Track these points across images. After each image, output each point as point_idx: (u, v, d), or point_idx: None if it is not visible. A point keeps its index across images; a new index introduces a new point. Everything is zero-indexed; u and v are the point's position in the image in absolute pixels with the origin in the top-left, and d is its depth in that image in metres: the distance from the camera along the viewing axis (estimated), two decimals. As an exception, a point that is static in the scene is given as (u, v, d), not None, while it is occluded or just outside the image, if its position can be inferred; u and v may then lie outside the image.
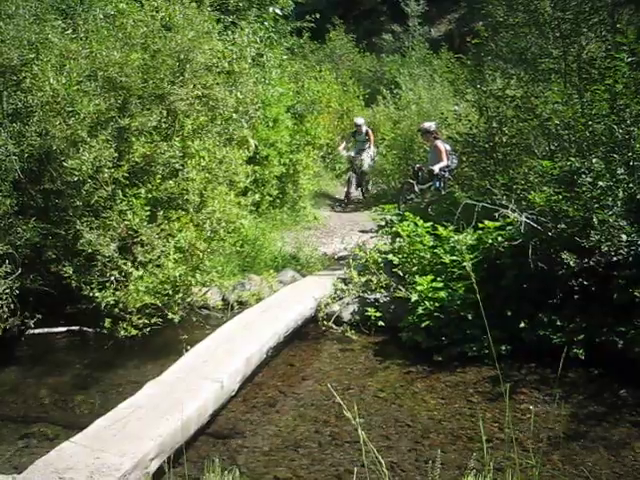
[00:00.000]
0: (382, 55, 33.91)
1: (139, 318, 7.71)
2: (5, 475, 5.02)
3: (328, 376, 7.44)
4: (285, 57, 16.21)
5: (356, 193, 18.50)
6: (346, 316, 8.83)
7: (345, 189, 18.30)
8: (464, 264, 7.98)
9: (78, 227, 8.00)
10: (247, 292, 9.66)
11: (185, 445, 5.44)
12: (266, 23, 14.69)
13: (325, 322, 8.62)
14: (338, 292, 9.17)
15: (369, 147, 18.13)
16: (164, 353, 7.66)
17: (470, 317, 7.66)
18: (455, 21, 37.42)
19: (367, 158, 18.11)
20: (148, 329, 7.79)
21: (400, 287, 8.69)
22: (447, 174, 12.64)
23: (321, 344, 8.42)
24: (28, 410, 6.81)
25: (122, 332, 7.66)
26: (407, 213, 9.79)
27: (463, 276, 8.05)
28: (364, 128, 18.27)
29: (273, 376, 7.40)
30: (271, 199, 13.69)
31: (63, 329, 8.77)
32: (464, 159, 11.56)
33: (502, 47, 10.49)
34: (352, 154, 18.23)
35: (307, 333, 8.62)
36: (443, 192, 12.37)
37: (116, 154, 8.20)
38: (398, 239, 9.42)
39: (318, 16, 17.75)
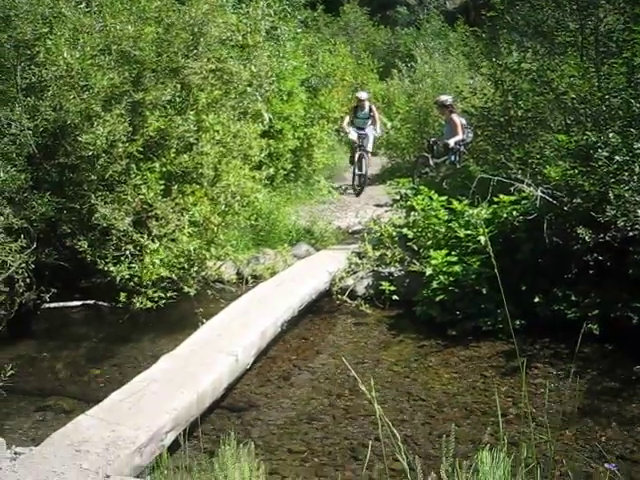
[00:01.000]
0: (397, 28, 33.68)
1: (154, 291, 7.72)
2: (22, 447, 5.06)
3: (342, 350, 7.46)
4: (299, 30, 16.13)
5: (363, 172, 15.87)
6: (360, 290, 8.84)
7: (354, 172, 15.99)
8: (479, 238, 7.97)
9: (93, 201, 8.00)
10: (261, 266, 9.68)
11: (200, 418, 5.46)
12: (280, -5, 14.60)
13: (339, 296, 8.63)
14: (352, 266, 9.18)
15: (372, 126, 15.85)
16: (179, 327, 7.69)
17: (485, 291, 7.66)
18: (470, -7, 37.10)
19: (371, 136, 15.90)
20: (163, 303, 7.81)
21: (414, 261, 8.68)
22: (462, 148, 12.57)
23: (335, 318, 8.44)
24: (44, 383, 6.87)
25: (137, 305, 7.67)
26: (422, 187, 9.75)
27: (478, 250, 8.04)
28: (367, 104, 16.05)
29: (287, 350, 7.43)
30: (285, 173, 13.66)
31: (78, 303, 8.83)
32: (479, 133, 11.49)
33: (518, 20, 10.37)
34: (352, 131, 15.72)
35: (321, 307, 8.64)
36: (458, 166, 12.31)
37: (130, 128, 8.19)
38: (413, 213, 9.41)
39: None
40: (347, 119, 15.95)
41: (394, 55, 29.35)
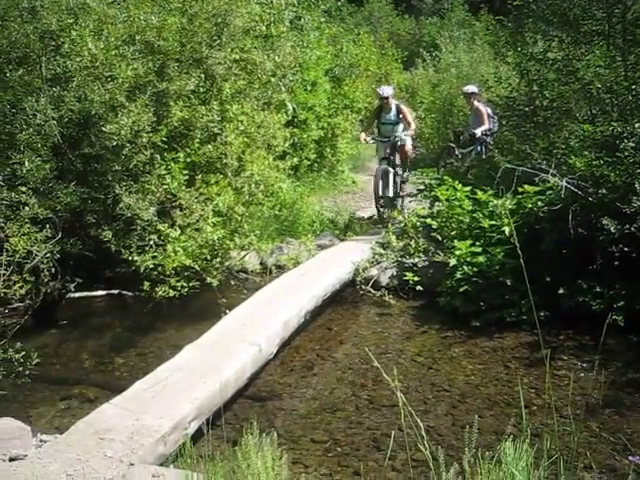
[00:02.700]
0: (421, 17, 33.58)
1: (177, 281, 7.75)
2: (48, 435, 5.11)
3: (366, 340, 7.45)
4: (323, 20, 16.10)
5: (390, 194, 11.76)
6: (384, 280, 8.83)
7: (375, 193, 11.33)
8: (503, 229, 7.94)
9: (117, 191, 8.05)
10: (285, 256, 9.69)
11: (223, 407, 5.47)
12: (304, -15, 14.59)
13: (363, 286, 8.63)
14: (376, 256, 9.18)
15: (404, 128, 11.84)
16: (202, 316, 7.71)
17: (509, 282, 7.62)
18: (496, -18, 36.89)
19: (407, 138, 11.87)
20: (186, 292, 7.85)
21: (438, 251, 8.67)
22: (489, 138, 12.51)
23: (359, 308, 8.44)
24: (69, 372, 6.92)
25: (160, 293, 7.69)
26: (446, 177, 9.72)
27: (502, 241, 8.00)
28: (393, 103, 11.79)
29: (311, 340, 7.43)
30: (309, 163, 13.68)
31: (102, 292, 8.91)
32: (504, 123, 11.44)
33: (544, 9, 10.29)
34: (377, 139, 12.10)
35: (345, 297, 8.64)
36: (484, 156, 12.25)
37: (154, 118, 8.23)
38: (437, 203, 9.38)
39: (356, -21, 17.60)
40: (363, 135, 12.07)
41: (418, 45, 29.30)
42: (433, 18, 32.78)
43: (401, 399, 3.15)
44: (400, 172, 12.06)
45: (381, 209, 11.39)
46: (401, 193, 12.08)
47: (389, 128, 11.98)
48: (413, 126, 11.93)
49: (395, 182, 11.75)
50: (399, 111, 11.97)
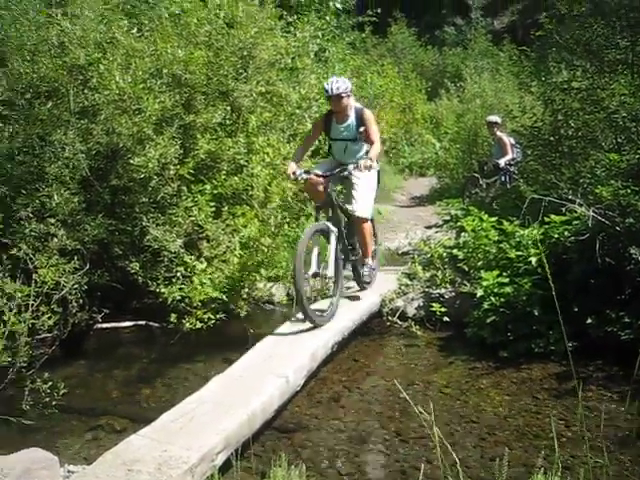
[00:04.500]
0: (444, 48, 33.74)
1: (204, 312, 7.77)
2: (75, 466, 5.13)
3: (393, 371, 7.41)
4: (348, 52, 16.22)
5: None
6: (411, 311, 8.79)
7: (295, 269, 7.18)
8: (530, 259, 7.90)
9: (144, 223, 8.13)
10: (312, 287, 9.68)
11: (251, 439, 5.47)
12: (328, 18, 14.71)
13: (390, 317, 8.58)
14: (403, 287, 9.13)
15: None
16: (230, 348, 7.70)
17: (536, 313, 7.57)
18: (518, 12, 37.06)
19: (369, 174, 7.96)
20: (213, 324, 7.86)
21: (465, 282, 8.63)
22: (513, 167, 12.51)
23: (386, 339, 8.40)
24: (96, 403, 6.92)
25: (187, 325, 7.73)
26: (472, 207, 9.70)
27: (529, 271, 7.96)
28: (352, 106, 7.99)
29: (337, 371, 7.40)
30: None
31: (130, 323, 8.92)
32: (529, 152, 11.43)
33: (567, 38, 10.30)
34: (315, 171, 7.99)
35: (372, 328, 8.59)
36: (509, 186, 12.24)
37: (181, 151, 8.32)
38: (463, 234, 9.35)
39: (379, 11, 17.68)
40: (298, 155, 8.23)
41: (442, 75, 29.39)
42: (456, 49, 32.91)
43: (437, 433, 3.14)
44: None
45: (303, 297, 7.16)
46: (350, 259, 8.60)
47: (342, 148, 8.20)
48: (377, 147, 7.78)
49: (339, 252, 7.93)
50: (361, 120, 7.97)
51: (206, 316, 7.78)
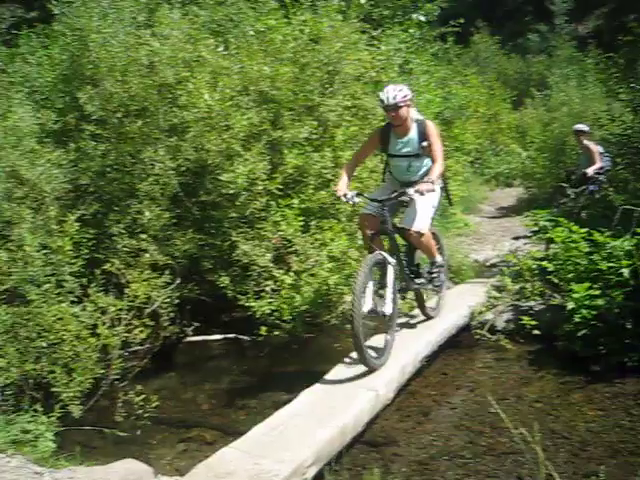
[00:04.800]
0: (528, 56, 33.35)
1: (293, 326, 7.84)
2: (168, 477, 5.22)
3: (482, 385, 7.34)
4: (431, 63, 16.15)
5: None
6: (500, 324, 8.69)
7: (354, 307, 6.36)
8: (622, 271, 7.75)
9: (234, 238, 8.24)
10: (400, 300, 9.65)
11: (341, 453, 5.49)
12: (411, 30, 14.68)
13: (479, 330, 8.49)
14: (491, 300, 9.04)
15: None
16: (319, 361, 7.74)
17: (629, 326, 7.42)
18: (603, 16, 36.39)
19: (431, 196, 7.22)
20: (302, 337, 7.93)
21: (555, 295, 8.50)
22: (601, 176, 12.29)
23: (475, 353, 8.32)
24: (187, 415, 7.04)
25: (276, 339, 7.81)
26: (561, 218, 9.55)
27: (621, 283, 7.80)
28: (412, 117, 7.19)
29: (427, 385, 7.36)
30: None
31: (219, 337, 9.03)
32: (618, 161, 11.21)
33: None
34: (367, 197, 7.35)
35: (460, 341, 8.53)
36: (597, 195, 12.02)
37: (269, 166, 8.41)
38: (552, 245, 9.21)
39: (462, 21, 17.56)
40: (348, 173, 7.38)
41: (526, 83, 29.05)
42: (540, 56, 32.50)
43: (539, 452, 3.11)
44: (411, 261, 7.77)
45: (361, 339, 6.33)
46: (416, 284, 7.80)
47: (404, 166, 7.39)
48: (440, 166, 6.98)
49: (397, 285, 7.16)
50: (424, 134, 7.17)
51: (295, 329, 7.84)
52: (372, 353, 6.75)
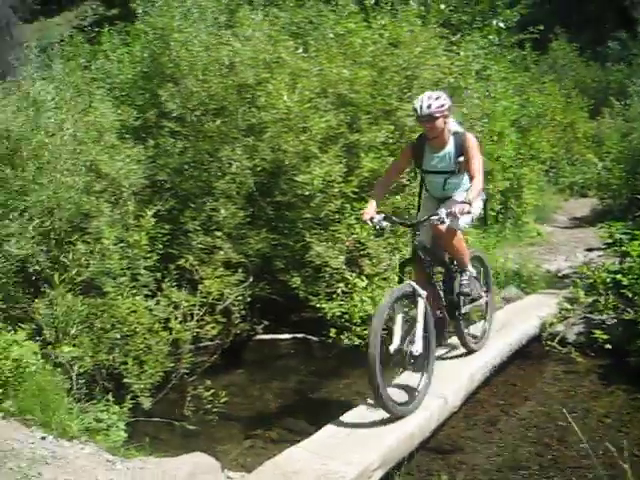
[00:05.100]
0: (607, 64, 32.75)
1: (363, 329, 7.85)
2: (234, 472, 5.29)
3: (551, 398, 7.26)
4: (509, 70, 16.00)
5: None
6: (571, 337, 8.57)
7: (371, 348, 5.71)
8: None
9: (307, 239, 8.30)
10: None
11: (406, 458, 5.50)
12: (490, 36, 14.57)
13: (549, 342, 8.39)
14: (563, 312, 8.92)
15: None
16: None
17: (703, 343, 7.30)
18: (690, 21, 35.54)
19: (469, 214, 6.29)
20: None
21: (629, 309, 8.36)
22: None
23: (544, 364, 8.23)
24: (254, 412, 7.15)
25: (346, 341, 7.83)
26: (637, 231, 9.38)
27: (696, 300, 7.67)
28: (450, 129, 6.46)
29: (495, 394, 7.31)
30: (494, 214, 13.51)
31: (288, 336, 9.12)
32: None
33: None
34: (397, 221, 6.71)
35: (530, 352, 8.44)
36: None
37: (345, 169, 8.44)
38: (627, 258, 9.07)
39: (541, 28, 17.35)
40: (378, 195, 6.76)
41: (605, 92, 28.54)
42: (620, 64, 31.89)
43: (629, 470, 3.07)
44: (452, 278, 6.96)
45: (378, 383, 5.57)
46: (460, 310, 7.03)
47: (439, 183, 6.72)
48: (479, 185, 6.19)
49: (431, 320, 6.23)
50: (462, 148, 6.44)
51: (365, 332, 7.85)
52: (399, 397, 6.01)
